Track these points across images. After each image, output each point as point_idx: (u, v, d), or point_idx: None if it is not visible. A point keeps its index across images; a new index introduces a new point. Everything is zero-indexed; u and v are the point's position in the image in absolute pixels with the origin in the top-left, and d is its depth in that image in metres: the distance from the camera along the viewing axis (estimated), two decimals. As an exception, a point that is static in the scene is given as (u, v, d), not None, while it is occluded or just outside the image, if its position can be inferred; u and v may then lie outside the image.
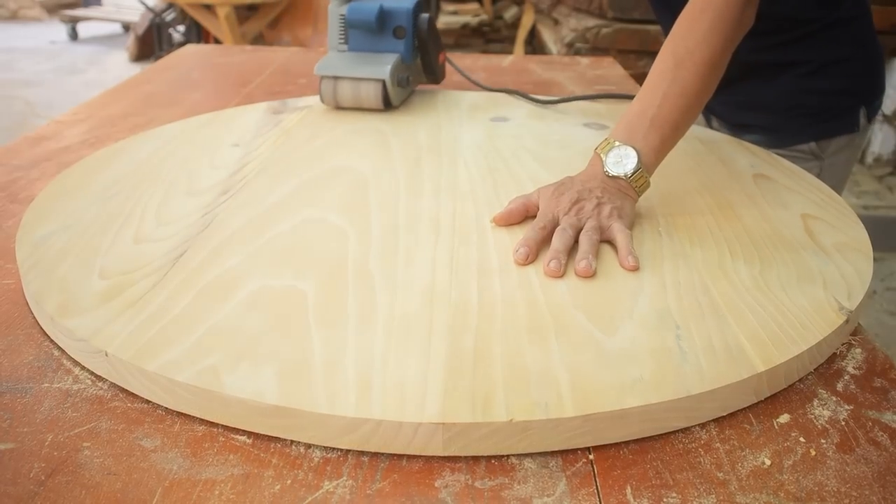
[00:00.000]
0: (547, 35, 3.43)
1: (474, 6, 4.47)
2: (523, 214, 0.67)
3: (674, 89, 0.69)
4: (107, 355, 0.48)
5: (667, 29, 0.97)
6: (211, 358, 0.47)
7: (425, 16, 1.00)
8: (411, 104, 1.03)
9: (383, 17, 0.97)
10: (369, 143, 0.87)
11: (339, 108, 1.00)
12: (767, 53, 0.96)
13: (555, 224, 0.64)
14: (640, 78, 2.03)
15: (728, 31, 0.70)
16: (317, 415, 0.43)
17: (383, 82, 0.96)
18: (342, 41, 1.01)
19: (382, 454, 0.43)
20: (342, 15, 0.99)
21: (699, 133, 0.93)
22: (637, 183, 0.67)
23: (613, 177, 0.67)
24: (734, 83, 0.87)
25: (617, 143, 0.68)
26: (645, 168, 0.67)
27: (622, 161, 0.67)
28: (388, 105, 0.98)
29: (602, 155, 0.68)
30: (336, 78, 0.97)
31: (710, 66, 0.69)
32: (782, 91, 0.99)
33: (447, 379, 0.46)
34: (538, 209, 0.67)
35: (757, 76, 0.99)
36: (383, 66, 0.95)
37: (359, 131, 0.91)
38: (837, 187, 0.99)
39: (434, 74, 1.07)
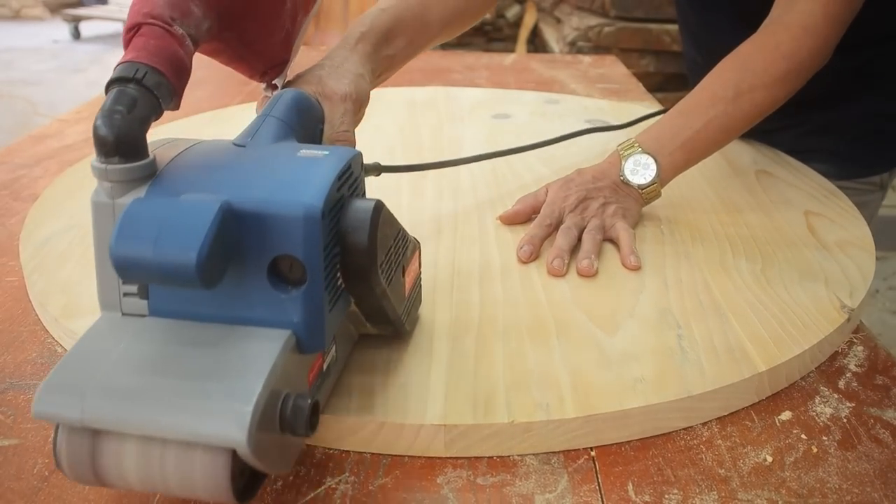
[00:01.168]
0: (549, 34, 3.43)
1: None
2: (529, 214, 0.67)
3: (719, 121, 0.66)
4: (110, 353, 0.47)
5: (686, 23, 0.93)
6: (213, 356, 0.46)
7: (364, 206, 0.41)
8: (412, 103, 1.03)
9: (225, 244, 0.36)
10: (370, 141, 0.87)
11: None
12: (845, 75, 0.82)
13: (559, 221, 0.64)
14: (642, 77, 2.00)
15: (801, 83, 0.66)
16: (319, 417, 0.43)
17: (232, 454, 0.35)
18: (133, 294, 0.40)
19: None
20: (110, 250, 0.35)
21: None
22: (649, 195, 0.67)
23: (625, 183, 0.66)
24: (803, 108, 0.78)
25: (640, 150, 0.66)
26: (660, 182, 0.66)
27: (640, 171, 0.66)
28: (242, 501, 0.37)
29: (622, 157, 0.67)
30: (97, 434, 0.35)
31: (765, 112, 0.67)
32: (858, 114, 0.85)
33: (449, 380, 0.46)
34: (538, 196, 0.67)
35: (831, 98, 0.85)
36: (235, 401, 0.34)
37: (360, 129, 0.91)
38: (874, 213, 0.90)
39: (398, 324, 0.47)
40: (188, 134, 0.88)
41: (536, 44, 3.85)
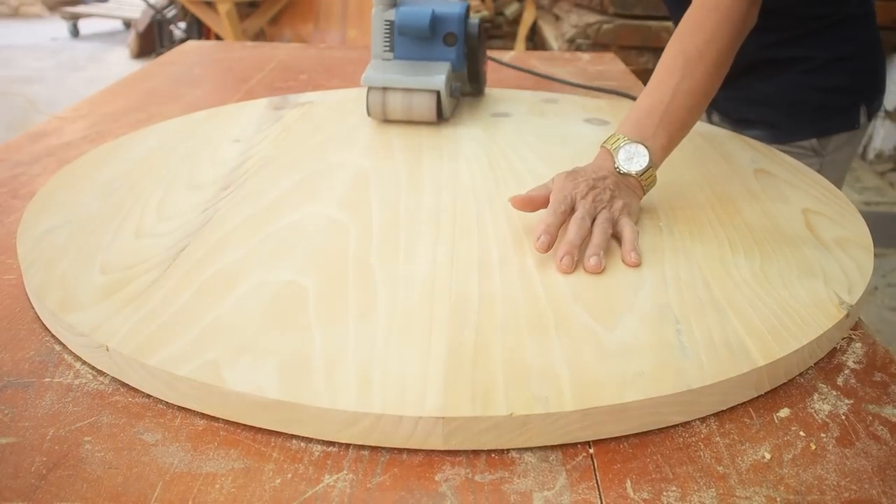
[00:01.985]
0: (548, 31, 3.43)
1: (475, 2, 4.46)
2: (544, 204, 0.65)
3: (683, 87, 0.69)
4: (108, 350, 0.48)
5: (677, 21, 0.97)
6: (211, 353, 0.47)
7: (475, 21, 0.94)
8: (412, 100, 1.03)
9: (435, 22, 0.90)
10: (370, 138, 0.87)
11: (386, 120, 0.93)
12: (771, 50, 0.97)
13: (572, 209, 0.63)
14: (641, 74, 2.01)
15: (735, 29, 0.70)
16: (317, 409, 0.43)
17: (437, 93, 0.89)
18: (387, 48, 0.92)
19: (383, 448, 0.43)
20: (388, 21, 0.92)
21: (700, 128, 0.93)
22: (647, 181, 0.67)
23: (624, 173, 0.67)
24: (737, 79, 0.88)
25: (626, 140, 0.67)
26: (654, 166, 0.67)
27: (633, 158, 0.67)
28: (440, 117, 0.91)
29: (612, 150, 0.68)
30: (385, 89, 0.90)
31: (718, 64, 0.70)
32: (784, 87, 0.99)
33: (447, 373, 0.46)
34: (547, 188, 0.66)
35: (760, 72, 0.99)
36: (437, 76, 0.88)
37: (359, 126, 0.91)
38: (837, 183, 0.99)
39: (479, 84, 1.01)
40: (188, 131, 0.88)
41: (535, 41, 3.85)
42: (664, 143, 0.68)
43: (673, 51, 0.71)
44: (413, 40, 0.92)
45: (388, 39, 0.92)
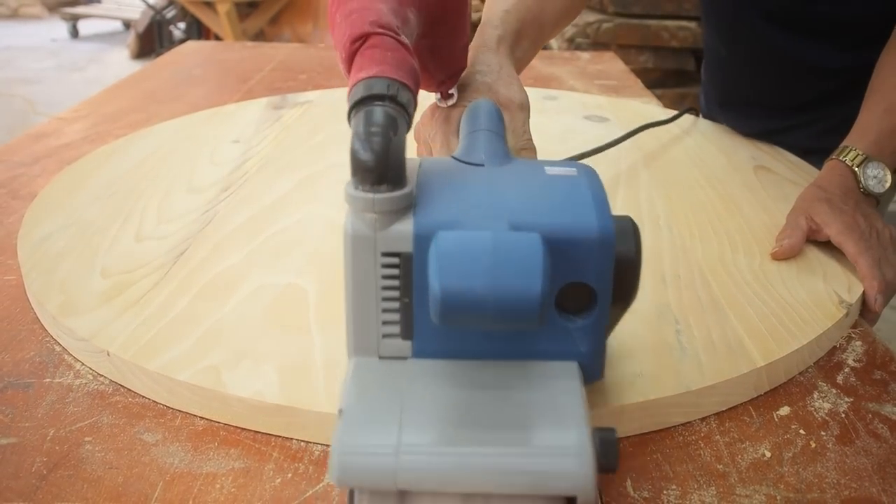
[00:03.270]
0: (548, 30, 3.42)
1: (475, 2, 4.46)
2: (803, 244, 0.62)
3: None
4: (108, 355, 0.48)
5: (710, 15, 0.92)
6: (212, 357, 0.47)
7: (629, 227, 0.37)
8: (412, 100, 1.03)
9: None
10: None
11: None
12: (857, 73, 0.75)
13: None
14: (640, 73, 1.99)
15: None
16: (318, 413, 0.43)
17: None
18: (394, 332, 0.38)
19: (383, 448, 0.43)
20: (392, 255, 0.36)
21: (700, 125, 0.93)
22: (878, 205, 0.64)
23: (867, 194, 0.63)
24: (818, 105, 0.78)
25: (868, 158, 0.64)
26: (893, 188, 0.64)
27: (881, 180, 0.63)
28: None
29: (856, 168, 0.64)
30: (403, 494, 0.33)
31: None
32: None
33: (447, 373, 0.45)
34: (810, 230, 0.62)
35: (844, 95, 0.81)
36: (563, 440, 0.32)
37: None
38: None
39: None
40: (188, 132, 0.88)
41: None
42: (891, 164, 0.65)
43: None
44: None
45: (394, 299, 0.37)
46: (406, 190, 0.35)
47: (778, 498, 0.40)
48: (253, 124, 0.92)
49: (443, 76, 0.54)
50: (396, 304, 0.36)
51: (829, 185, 0.64)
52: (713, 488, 0.40)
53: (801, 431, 0.45)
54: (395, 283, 0.36)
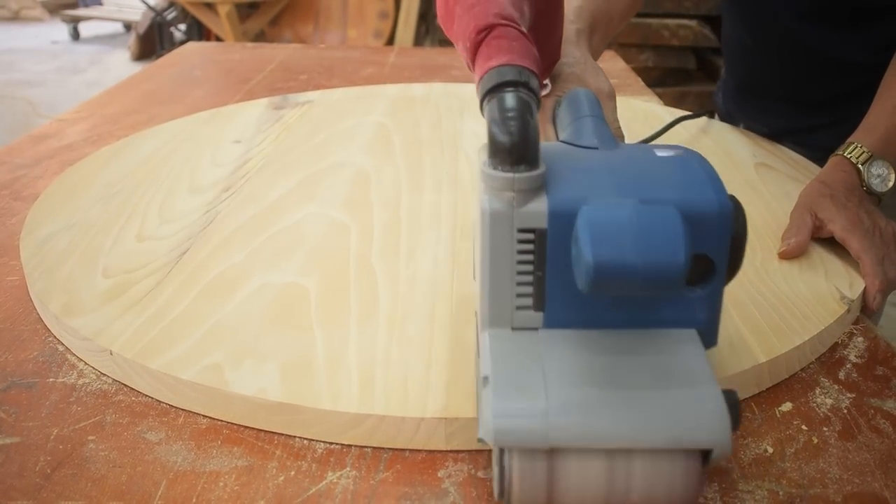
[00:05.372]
0: (548, 29, 3.42)
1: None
2: (809, 241, 0.62)
3: None
4: (111, 354, 0.48)
5: (733, 4, 0.92)
6: (214, 355, 0.47)
7: (737, 205, 0.41)
8: (411, 99, 1.03)
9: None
10: (370, 137, 0.87)
11: None
12: (882, 70, 0.71)
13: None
14: (641, 72, 1.98)
15: None
16: (320, 411, 0.43)
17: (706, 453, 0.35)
18: (527, 304, 0.39)
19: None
20: (528, 232, 0.38)
21: (701, 123, 0.93)
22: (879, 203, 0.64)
23: (869, 192, 0.63)
24: (844, 103, 0.75)
25: (873, 156, 0.64)
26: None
27: (884, 179, 0.63)
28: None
29: (861, 166, 0.64)
30: (552, 453, 0.35)
31: None
32: None
33: (449, 373, 0.46)
34: (815, 226, 0.62)
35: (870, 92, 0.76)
36: (697, 396, 0.35)
37: (360, 126, 0.92)
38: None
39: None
40: (189, 132, 0.89)
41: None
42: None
43: None
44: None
45: (528, 273, 0.39)
46: (541, 170, 0.37)
47: (780, 493, 0.40)
48: (254, 124, 0.92)
49: (542, 67, 0.56)
50: (530, 278, 0.38)
51: (832, 182, 0.64)
52: (715, 484, 0.40)
53: (804, 427, 0.45)
54: (530, 257, 0.38)
